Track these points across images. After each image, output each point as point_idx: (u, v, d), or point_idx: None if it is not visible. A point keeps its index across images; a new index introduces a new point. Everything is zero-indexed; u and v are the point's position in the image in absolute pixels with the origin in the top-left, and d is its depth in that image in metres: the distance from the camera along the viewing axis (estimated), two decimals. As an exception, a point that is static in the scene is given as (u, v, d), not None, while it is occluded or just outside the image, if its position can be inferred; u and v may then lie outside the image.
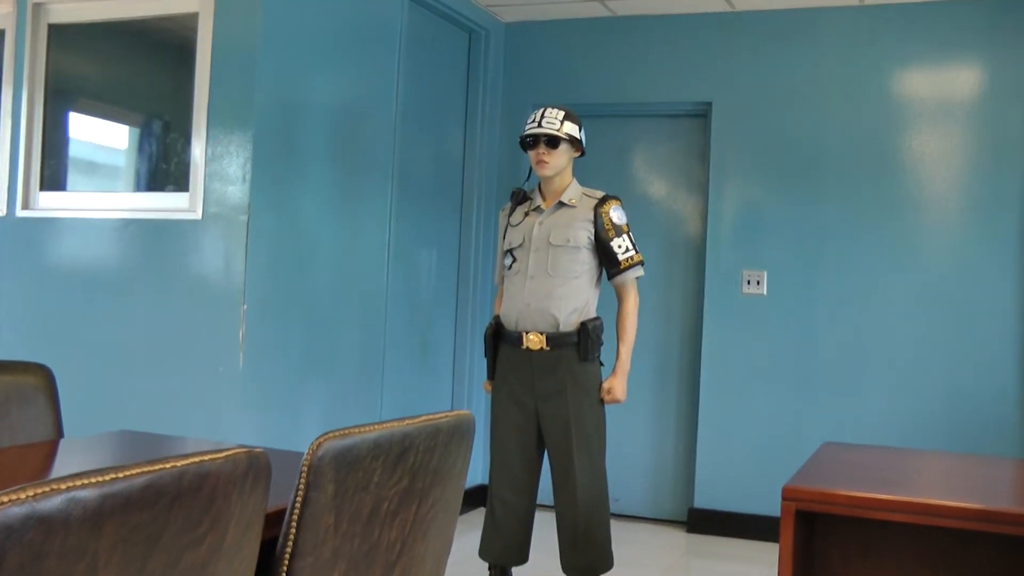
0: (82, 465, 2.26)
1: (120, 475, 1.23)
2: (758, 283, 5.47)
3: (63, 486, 1.16)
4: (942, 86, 5.25)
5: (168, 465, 1.31)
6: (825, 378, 5.34)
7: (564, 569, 3.77)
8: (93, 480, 1.20)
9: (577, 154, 3.87)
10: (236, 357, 3.97)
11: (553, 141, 3.75)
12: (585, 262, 3.79)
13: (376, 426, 1.76)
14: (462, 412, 2.02)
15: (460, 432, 1.99)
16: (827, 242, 5.36)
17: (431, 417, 1.91)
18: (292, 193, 4.24)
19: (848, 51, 5.37)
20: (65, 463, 2.38)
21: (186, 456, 1.35)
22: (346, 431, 1.70)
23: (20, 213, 4.52)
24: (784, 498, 2.28)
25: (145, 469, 1.27)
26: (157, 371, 4.14)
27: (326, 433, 1.68)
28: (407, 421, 1.84)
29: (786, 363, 5.41)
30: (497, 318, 3.90)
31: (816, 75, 5.42)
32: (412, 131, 5.18)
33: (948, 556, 2.55)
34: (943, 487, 2.62)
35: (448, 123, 5.76)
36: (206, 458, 1.38)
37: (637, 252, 3.83)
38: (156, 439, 2.64)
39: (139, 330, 4.19)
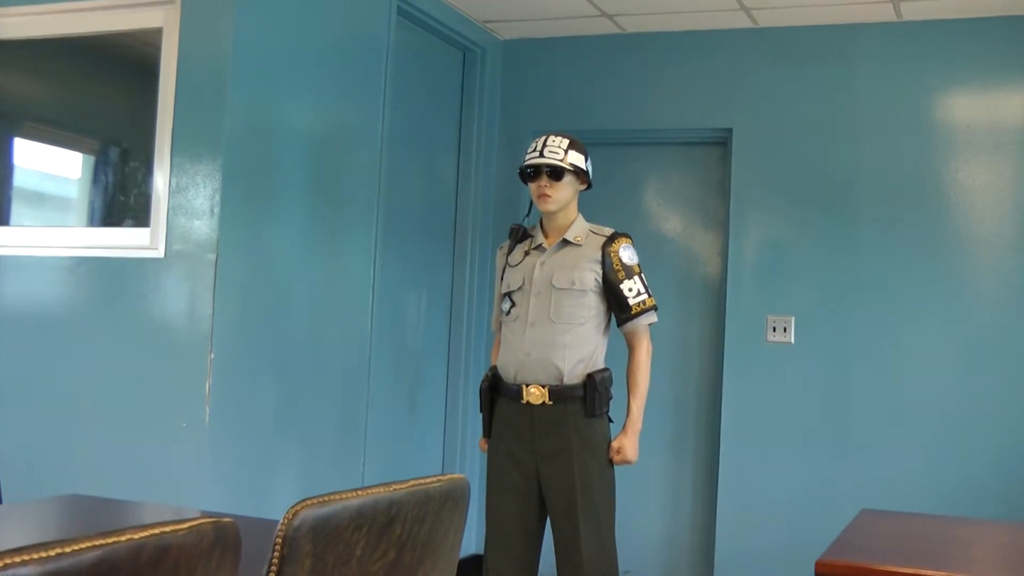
0: (23, 538, 2.23)
1: (67, 550, 1.21)
2: (784, 330, 5.46)
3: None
4: (992, 111, 5.27)
5: (123, 538, 1.28)
6: (860, 437, 5.31)
7: (569, 652, 3.74)
8: (35, 556, 1.18)
9: (583, 187, 3.89)
10: (202, 412, 3.95)
11: (556, 172, 3.76)
12: (592, 307, 3.79)
13: (359, 492, 1.75)
14: (455, 476, 2.01)
15: (453, 498, 1.98)
16: (862, 285, 5.36)
17: (420, 481, 1.89)
18: (266, 229, 4.24)
19: (886, 72, 5.40)
20: (3, 535, 2.35)
21: (144, 527, 1.32)
22: (325, 498, 1.68)
23: (-40, 250, 4.51)
24: (818, 573, 2.26)
25: (96, 543, 1.25)
26: (112, 428, 4.11)
27: (303, 500, 1.66)
28: (393, 486, 1.82)
29: (816, 420, 5.39)
30: (494, 369, 3.91)
31: (850, 99, 5.44)
32: (400, 160, 5.19)
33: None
34: (997, 561, 2.60)
35: (440, 151, 5.78)
36: (167, 529, 1.35)
37: (650, 296, 3.83)
38: (109, 505, 2.62)
39: (92, 381, 4.17)
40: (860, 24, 5.42)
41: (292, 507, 1.65)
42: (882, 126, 5.38)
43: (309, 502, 1.66)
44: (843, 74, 5.46)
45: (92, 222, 4.50)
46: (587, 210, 3.97)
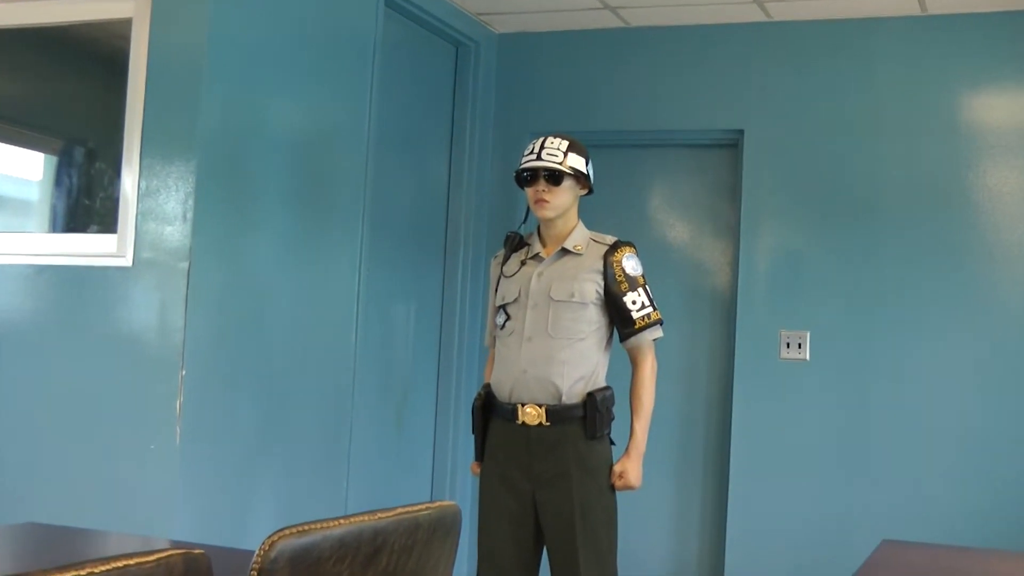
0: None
1: (22, 584, 1.20)
2: (799, 346, 5.46)
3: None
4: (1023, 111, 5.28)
5: (84, 572, 1.27)
6: (881, 460, 5.30)
7: None
8: (-10, 590, 1.16)
9: (584, 192, 3.89)
10: (172, 432, 3.93)
11: (555, 176, 3.76)
12: (593, 321, 3.79)
13: (341, 520, 1.74)
14: (445, 503, 2.01)
15: (443, 527, 1.97)
16: (882, 298, 5.35)
17: (408, 509, 1.89)
18: (243, 235, 4.23)
19: (909, 69, 5.40)
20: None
21: (107, 559, 1.31)
22: (305, 527, 1.68)
23: (-90, 257, 4.49)
24: (838, 610, 2.25)
25: (56, 576, 1.24)
26: (74, 450, 4.09)
27: (281, 529, 1.65)
28: (379, 514, 1.82)
29: (833, 442, 5.38)
30: (487, 387, 3.90)
31: (870, 98, 5.44)
32: (388, 162, 5.19)
33: None
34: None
35: (430, 153, 5.78)
36: (132, 562, 1.34)
37: (655, 309, 3.83)
38: (69, 535, 2.60)
39: (53, 400, 4.15)
40: (881, 18, 5.43)
41: (269, 537, 1.64)
42: (904, 127, 5.38)
43: (287, 531, 1.65)
44: (863, 71, 5.46)
45: (54, 228, 4.48)
46: (588, 217, 3.96)
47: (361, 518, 1.78)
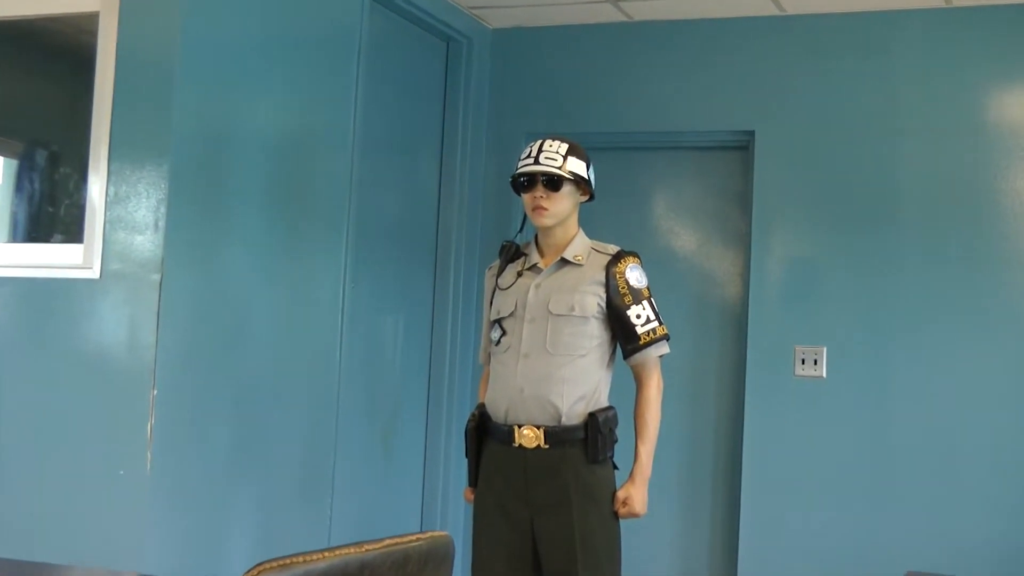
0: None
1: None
2: (815, 362, 5.46)
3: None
4: (1054, 110, 5.30)
5: (46, 609, 1.26)
6: (904, 485, 5.30)
7: None
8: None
9: (584, 198, 3.89)
10: (143, 457, 3.91)
11: (554, 182, 3.76)
12: (594, 336, 3.79)
13: (325, 553, 1.73)
14: (437, 533, 2.01)
15: (435, 559, 1.97)
16: (904, 310, 5.35)
17: (397, 540, 1.88)
18: (219, 245, 4.23)
19: (933, 66, 5.41)
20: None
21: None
22: (286, 560, 1.67)
23: None
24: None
25: (15, 615, 1.23)
26: (37, 476, 4.08)
27: (260, 563, 1.64)
28: (366, 546, 1.81)
29: (853, 465, 5.37)
30: (481, 407, 3.90)
31: (890, 97, 5.45)
32: (374, 166, 5.19)
33: None
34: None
35: (420, 156, 5.79)
36: (98, 599, 1.33)
37: (661, 323, 3.83)
38: (31, 570, 2.58)
39: (15, 422, 4.13)
40: (903, 11, 5.43)
41: (248, 571, 1.63)
42: (928, 127, 5.38)
43: (267, 565, 1.65)
44: (883, 68, 5.47)
45: (15, 237, 4.47)
46: (589, 225, 3.96)
47: (346, 550, 1.77)
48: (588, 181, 3.83)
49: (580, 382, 3.75)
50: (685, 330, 5.61)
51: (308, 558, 1.71)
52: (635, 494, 3.78)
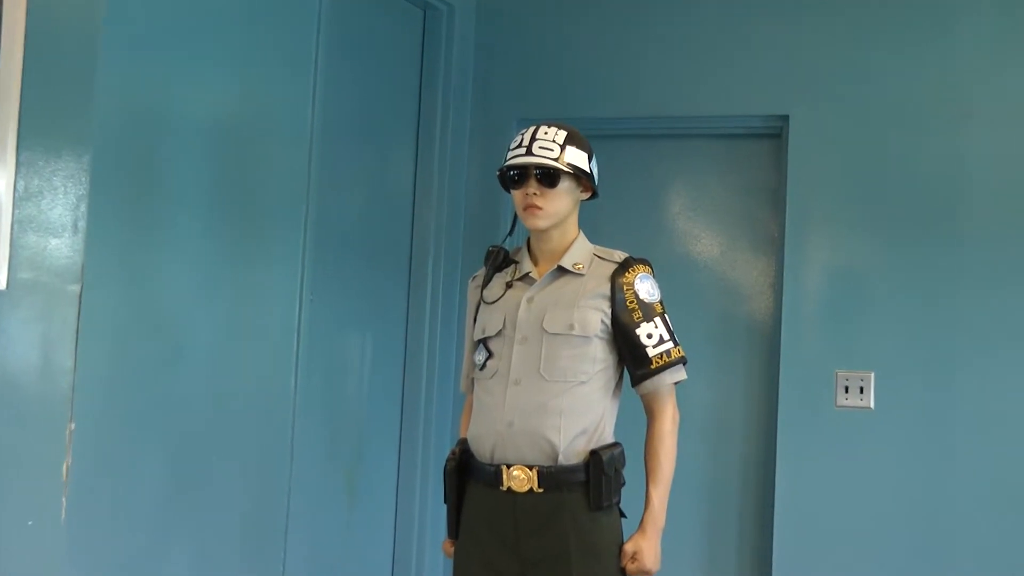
0: None
1: None
2: (861, 391, 5.46)
3: None
4: None
5: None
6: (963, 532, 5.30)
7: None
8: None
9: (586, 195, 3.89)
10: (57, 504, 3.88)
11: (550, 176, 3.75)
12: (597, 359, 3.79)
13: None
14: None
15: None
16: (967, 330, 5.35)
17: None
18: (150, 251, 4.23)
19: (1000, 38, 5.41)
20: None
21: None
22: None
23: None
24: None
25: None
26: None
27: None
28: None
29: (905, 512, 5.38)
30: (463, 443, 3.90)
31: (949, 78, 5.45)
32: (336, 157, 5.21)
33: None
34: None
35: (392, 145, 5.81)
36: None
37: (676, 344, 3.82)
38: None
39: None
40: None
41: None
42: (994, 113, 5.38)
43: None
44: (940, 43, 5.47)
45: (-92, 241, 4.43)
46: (591, 227, 3.95)
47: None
48: (590, 175, 3.82)
49: (580, 414, 3.74)
50: (706, 352, 5.64)
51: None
52: (646, 547, 3.76)
